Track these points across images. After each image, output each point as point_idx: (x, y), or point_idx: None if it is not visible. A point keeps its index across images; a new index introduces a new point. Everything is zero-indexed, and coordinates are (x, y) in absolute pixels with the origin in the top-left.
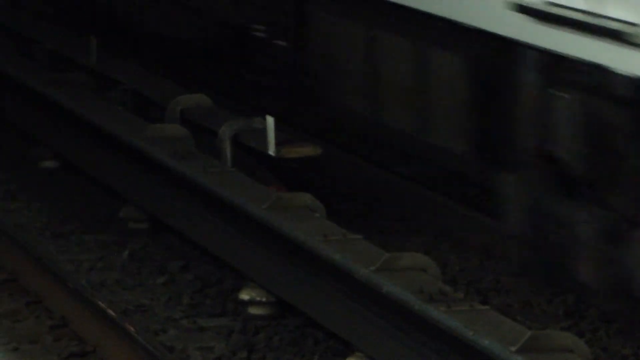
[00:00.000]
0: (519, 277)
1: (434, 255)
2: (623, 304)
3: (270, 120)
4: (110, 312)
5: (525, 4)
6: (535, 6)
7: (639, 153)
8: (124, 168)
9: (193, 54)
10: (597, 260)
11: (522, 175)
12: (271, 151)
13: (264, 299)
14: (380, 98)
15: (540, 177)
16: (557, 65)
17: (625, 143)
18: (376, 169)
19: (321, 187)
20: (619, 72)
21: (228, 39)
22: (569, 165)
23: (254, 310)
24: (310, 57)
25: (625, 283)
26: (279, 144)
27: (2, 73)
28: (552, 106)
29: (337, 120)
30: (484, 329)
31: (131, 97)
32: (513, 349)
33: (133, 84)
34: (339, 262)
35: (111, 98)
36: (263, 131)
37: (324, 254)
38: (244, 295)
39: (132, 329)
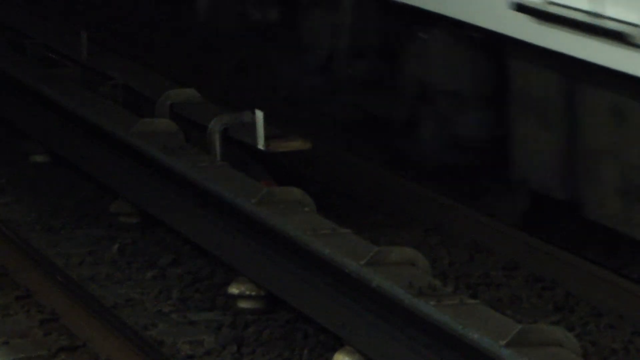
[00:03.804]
0: (508, 271)
1: (424, 250)
2: None
3: (259, 115)
4: (101, 306)
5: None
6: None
7: None
8: (114, 162)
9: None
10: None
11: None
12: (261, 145)
13: (253, 293)
14: None
15: None
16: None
17: None
18: (365, 164)
19: (311, 182)
20: None
21: None
22: None
23: (243, 304)
24: None
25: None
26: (268, 138)
27: None
28: None
29: None
30: (474, 323)
31: (122, 91)
32: (503, 342)
33: (123, 79)
34: (329, 256)
35: (102, 93)
36: (252, 125)
37: (313, 248)
38: (234, 289)
39: (122, 323)
